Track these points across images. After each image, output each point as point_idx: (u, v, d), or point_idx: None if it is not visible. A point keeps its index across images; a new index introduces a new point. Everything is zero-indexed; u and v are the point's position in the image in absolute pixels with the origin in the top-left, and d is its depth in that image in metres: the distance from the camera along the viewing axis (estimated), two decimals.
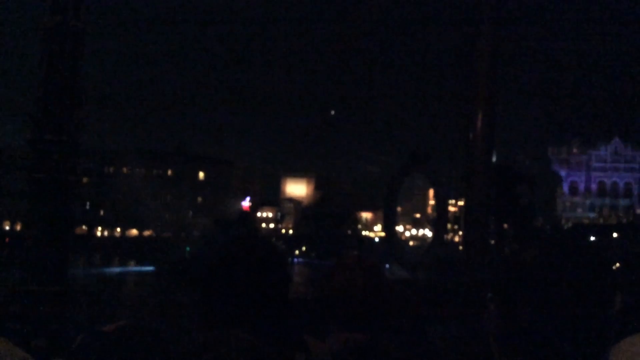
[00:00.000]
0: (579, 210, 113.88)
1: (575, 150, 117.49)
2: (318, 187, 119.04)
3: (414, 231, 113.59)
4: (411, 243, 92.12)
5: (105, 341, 1.92)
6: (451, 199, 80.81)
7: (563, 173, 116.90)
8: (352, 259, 2.41)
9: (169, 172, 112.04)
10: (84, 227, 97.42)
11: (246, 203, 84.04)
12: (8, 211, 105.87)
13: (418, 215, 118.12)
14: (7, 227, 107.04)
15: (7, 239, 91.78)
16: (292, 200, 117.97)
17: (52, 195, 6.15)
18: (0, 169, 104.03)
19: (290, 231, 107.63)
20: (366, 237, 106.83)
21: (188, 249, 78.78)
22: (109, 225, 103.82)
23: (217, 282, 1.85)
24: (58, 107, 6.25)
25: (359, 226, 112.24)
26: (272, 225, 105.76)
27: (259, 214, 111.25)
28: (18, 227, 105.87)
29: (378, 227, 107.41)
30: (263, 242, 1.95)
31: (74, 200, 6.33)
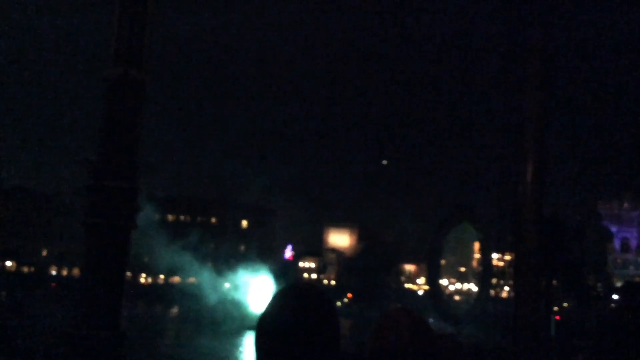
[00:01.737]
0: (631, 267, 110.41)
1: (627, 206, 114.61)
2: (361, 238, 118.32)
3: (458, 285, 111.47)
4: (456, 297, 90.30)
5: None
6: (497, 252, 79.29)
7: (614, 229, 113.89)
8: (400, 312, 2.39)
9: (213, 220, 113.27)
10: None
11: (289, 252, 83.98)
12: (55, 256, 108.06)
13: (463, 269, 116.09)
14: (54, 272, 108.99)
15: (54, 284, 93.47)
16: (334, 250, 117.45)
17: (109, 241, 6.30)
18: (49, 214, 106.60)
19: (333, 282, 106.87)
20: (409, 289, 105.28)
21: (230, 297, 78.75)
22: (152, 272, 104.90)
23: (271, 331, 1.85)
24: (117, 155, 6.45)
25: (402, 278, 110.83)
26: (314, 276, 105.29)
27: (301, 264, 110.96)
28: (64, 272, 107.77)
29: (421, 280, 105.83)
30: (317, 291, 1.95)
31: (129, 246, 6.46)
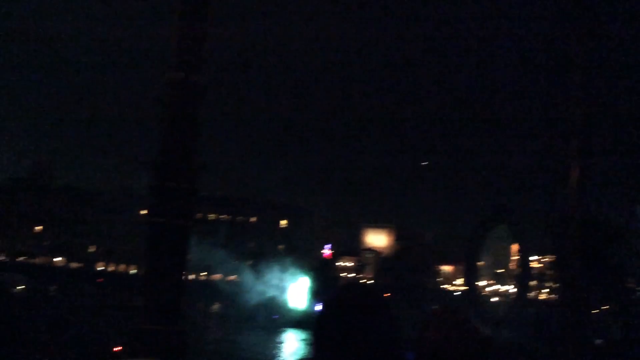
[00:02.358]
0: None
1: None
2: (398, 238, 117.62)
3: (496, 286, 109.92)
4: (493, 299, 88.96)
5: None
6: (535, 254, 77.89)
7: None
8: (446, 312, 2.38)
9: (252, 219, 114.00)
10: None
11: (327, 251, 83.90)
12: (102, 253, 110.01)
13: (500, 271, 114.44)
14: (101, 268, 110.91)
15: (100, 279, 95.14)
16: (372, 250, 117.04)
17: (170, 239, 6.44)
18: (96, 212, 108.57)
19: (370, 282, 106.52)
20: (446, 290, 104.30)
21: (269, 295, 79.13)
22: (193, 269, 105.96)
23: (329, 329, 1.88)
24: (178, 156, 6.59)
25: (439, 279, 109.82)
26: (351, 275, 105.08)
27: (339, 264, 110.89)
28: (111, 268, 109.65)
29: (459, 281, 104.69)
30: (373, 290, 1.97)
31: (189, 244, 6.59)
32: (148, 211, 6.41)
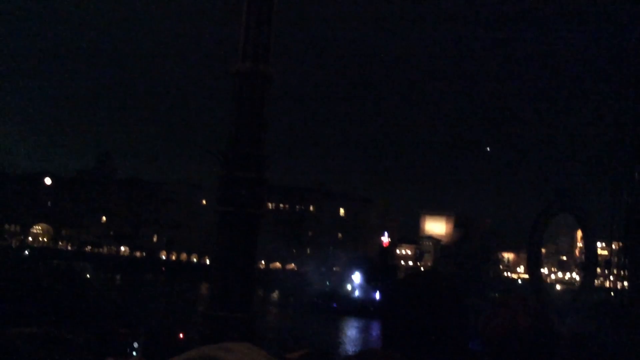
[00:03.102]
0: None
1: None
2: (458, 225, 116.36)
3: (559, 274, 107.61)
4: (557, 287, 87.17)
5: None
6: (601, 240, 75.58)
7: None
8: (516, 300, 2.33)
9: (311, 208, 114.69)
10: None
11: (385, 239, 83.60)
12: (164, 242, 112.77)
13: (564, 258, 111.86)
14: (164, 257, 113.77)
15: (163, 268, 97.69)
16: (431, 238, 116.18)
17: (240, 228, 6.55)
18: (158, 203, 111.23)
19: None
20: (508, 278, 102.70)
21: (328, 283, 79.55)
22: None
23: (398, 317, 1.86)
24: (246, 146, 6.68)
25: (501, 267, 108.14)
26: (410, 263, 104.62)
27: (397, 251, 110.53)
28: (173, 257, 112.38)
29: (521, 269, 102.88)
30: (443, 277, 1.94)
31: (258, 233, 6.69)
32: (218, 200, 6.51)
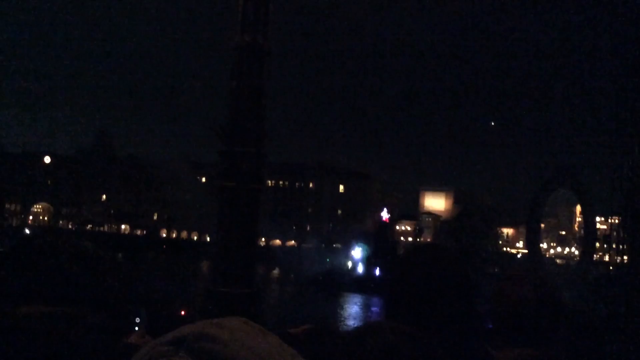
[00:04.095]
0: None
1: None
2: (457, 201, 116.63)
3: (559, 249, 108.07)
4: (557, 261, 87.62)
5: (292, 343, 1.90)
6: (600, 215, 75.99)
7: None
8: (523, 273, 2.34)
9: (311, 185, 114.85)
10: None
11: (385, 215, 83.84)
12: (165, 220, 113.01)
13: (563, 233, 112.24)
14: (164, 235, 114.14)
15: (164, 246, 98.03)
16: (430, 214, 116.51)
17: (241, 202, 6.53)
18: (158, 181, 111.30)
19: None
20: (507, 253, 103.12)
21: (328, 260, 79.94)
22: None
23: (402, 291, 1.85)
24: (246, 121, 6.63)
25: (500, 242, 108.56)
26: (410, 239, 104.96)
27: (397, 228, 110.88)
28: (173, 235, 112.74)
29: (520, 244, 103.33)
30: (447, 252, 1.93)
31: (259, 208, 6.67)
32: (218, 176, 6.49)
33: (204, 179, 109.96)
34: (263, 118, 6.74)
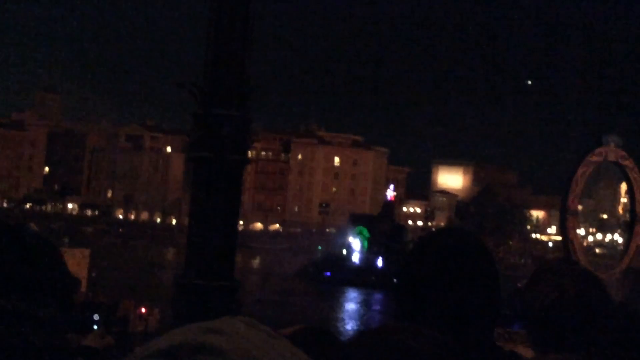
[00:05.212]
0: None
1: None
2: (477, 177, 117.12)
3: (599, 236, 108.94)
4: (597, 251, 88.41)
5: None
6: None
7: None
8: (562, 263, 2.37)
9: (299, 157, 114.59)
10: None
11: (390, 192, 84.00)
12: (122, 198, 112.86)
13: (605, 216, 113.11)
14: (120, 216, 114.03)
15: (121, 229, 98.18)
16: (445, 193, 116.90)
17: (219, 178, 6.45)
18: (114, 152, 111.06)
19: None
20: (537, 240, 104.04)
21: (320, 248, 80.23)
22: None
23: (416, 287, 1.85)
24: (227, 76, 6.54)
25: (528, 227, 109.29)
26: (420, 223, 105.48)
27: (404, 209, 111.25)
28: (131, 216, 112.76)
29: (552, 230, 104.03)
30: (471, 237, 1.95)
31: (242, 185, 6.61)
32: (191, 145, 6.42)
33: (169, 149, 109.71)
34: (248, 73, 6.64)
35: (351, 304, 54.13)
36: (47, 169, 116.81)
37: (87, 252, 35.42)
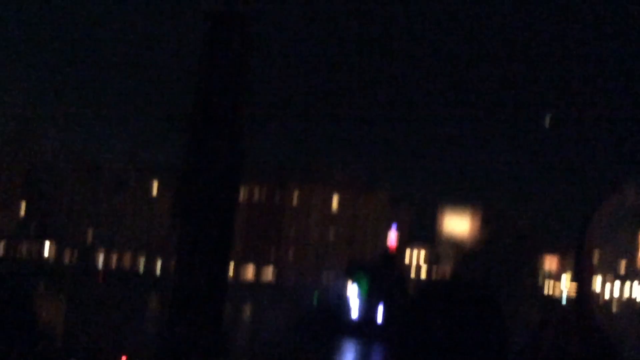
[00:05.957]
0: None
1: None
2: (485, 223, 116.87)
3: (617, 285, 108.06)
4: (615, 307, 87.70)
5: None
6: None
7: None
8: (565, 315, 2.34)
9: (295, 196, 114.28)
10: None
11: (393, 235, 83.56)
12: (103, 238, 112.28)
13: (624, 265, 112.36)
14: (101, 260, 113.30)
15: (100, 280, 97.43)
16: (451, 238, 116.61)
17: (210, 219, 6.47)
18: (97, 188, 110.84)
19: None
20: (548, 295, 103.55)
21: (317, 293, 79.70)
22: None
23: (416, 343, 1.82)
24: (221, 107, 6.59)
25: (541, 277, 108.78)
26: (423, 269, 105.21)
27: (407, 254, 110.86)
28: (113, 260, 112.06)
29: (565, 279, 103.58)
30: (476, 291, 1.91)
31: (233, 231, 6.61)
32: (180, 181, 6.48)
33: (155, 187, 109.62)
34: (244, 104, 6.67)
35: (348, 357, 53.76)
36: (24, 204, 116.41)
37: (64, 297, 35.27)
